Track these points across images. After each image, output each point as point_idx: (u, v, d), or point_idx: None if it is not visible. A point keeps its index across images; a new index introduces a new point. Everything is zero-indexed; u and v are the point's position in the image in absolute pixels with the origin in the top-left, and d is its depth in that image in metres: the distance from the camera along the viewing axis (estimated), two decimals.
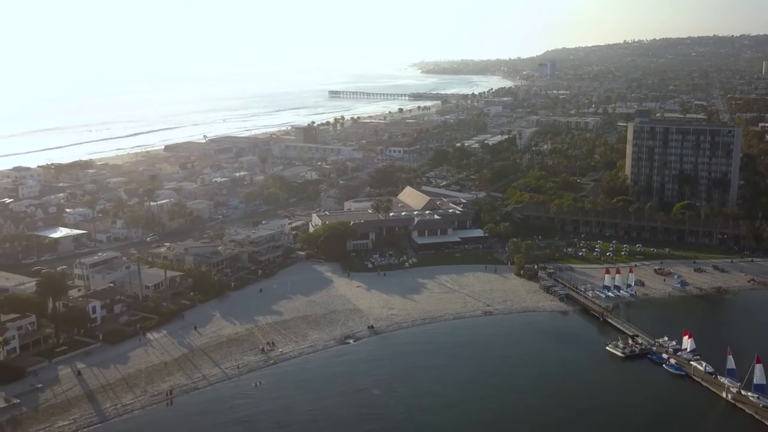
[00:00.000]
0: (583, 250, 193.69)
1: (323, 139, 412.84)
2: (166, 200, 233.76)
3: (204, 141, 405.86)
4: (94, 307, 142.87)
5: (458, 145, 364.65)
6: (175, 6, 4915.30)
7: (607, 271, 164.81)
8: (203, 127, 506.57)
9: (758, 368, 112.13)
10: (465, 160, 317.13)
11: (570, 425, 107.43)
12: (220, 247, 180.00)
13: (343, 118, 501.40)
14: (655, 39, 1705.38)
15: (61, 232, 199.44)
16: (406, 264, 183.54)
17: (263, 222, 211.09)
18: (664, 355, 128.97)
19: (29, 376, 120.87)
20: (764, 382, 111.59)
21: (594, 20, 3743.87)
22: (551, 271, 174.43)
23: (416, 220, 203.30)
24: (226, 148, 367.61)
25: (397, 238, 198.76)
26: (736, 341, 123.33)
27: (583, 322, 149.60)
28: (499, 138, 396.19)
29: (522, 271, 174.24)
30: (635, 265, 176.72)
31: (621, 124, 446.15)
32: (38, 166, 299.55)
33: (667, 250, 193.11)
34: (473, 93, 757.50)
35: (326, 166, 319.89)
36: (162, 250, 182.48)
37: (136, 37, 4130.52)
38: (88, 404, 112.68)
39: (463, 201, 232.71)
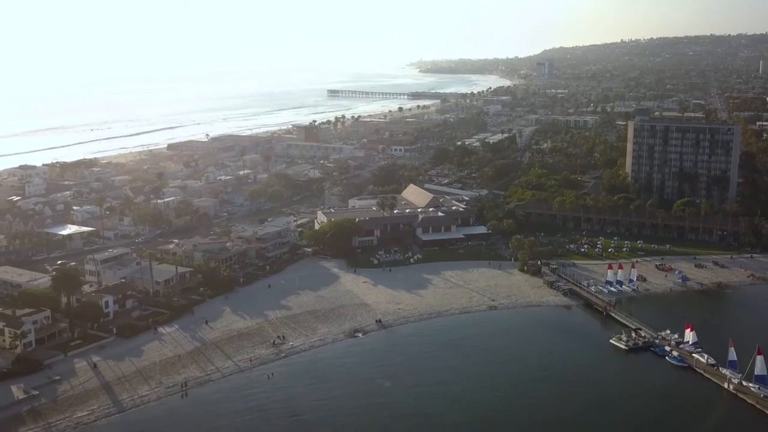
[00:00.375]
0: (585, 246, 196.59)
1: (324, 138, 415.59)
2: (172, 198, 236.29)
3: (206, 139, 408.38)
4: (106, 302, 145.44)
5: (459, 143, 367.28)
6: (173, 6, 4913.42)
7: (610, 267, 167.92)
8: (205, 126, 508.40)
9: (759, 360, 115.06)
10: (466, 158, 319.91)
11: (576, 415, 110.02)
12: (228, 244, 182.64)
13: (343, 117, 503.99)
14: (652, 38, 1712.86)
15: (70, 229, 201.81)
16: (411, 260, 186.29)
17: (269, 219, 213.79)
18: (667, 348, 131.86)
19: (46, 368, 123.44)
20: (765, 373, 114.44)
21: (591, 19, 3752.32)
22: (554, 267, 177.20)
23: (420, 217, 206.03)
24: (228, 147, 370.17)
25: (402, 234, 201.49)
26: (737, 334, 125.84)
27: (587, 316, 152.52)
28: (499, 136, 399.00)
29: (525, 267, 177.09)
30: (637, 261, 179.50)
31: (620, 123, 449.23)
32: (43, 165, 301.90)
33: (668, 246, 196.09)
34: (472, 92, 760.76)
35: (329, 165, 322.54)
36: (171, 246, 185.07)
37: (135, 38, 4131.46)
38: (105, 395, 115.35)
39: (466, 198, 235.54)
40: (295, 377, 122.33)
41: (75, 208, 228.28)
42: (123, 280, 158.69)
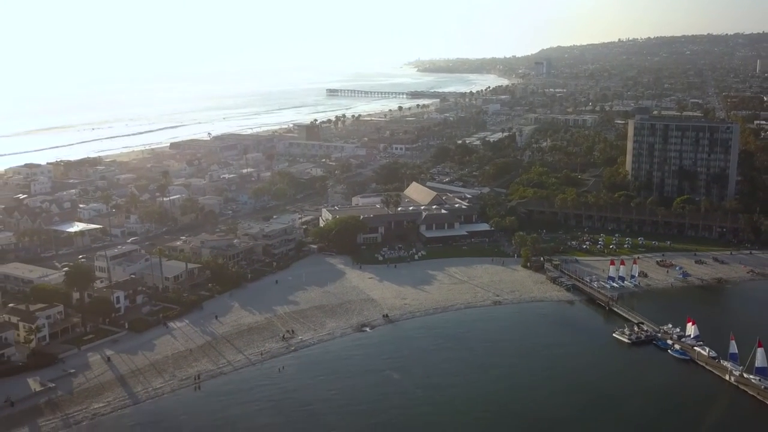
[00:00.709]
0: (587, 243, 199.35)
1: (325, 137, 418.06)
2: (177, 196, 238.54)
3: (209, 138, 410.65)
4: (117, 298, 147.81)
5: (459, 142, 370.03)
6: (173, 5, 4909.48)
7: (612, 263, 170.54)
8: (206, 125, 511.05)
9: (760, 352, 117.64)
10: (467, 156, 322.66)
11: (581, 406, 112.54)
12: (235, 241, 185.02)
13: (344, 116, 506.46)
14: (649, 37, 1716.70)
15: (78, 227, 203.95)
16: (416, 257, 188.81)
17: (274, 216, 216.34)
18: (669, 341, 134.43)
19: (60, 362, 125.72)
20: (766, 365, 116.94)
21: (588, 19, 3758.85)
22: (557, 263, 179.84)
23: (424, 214, 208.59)
24: (230, 146, 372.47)
25: (406, 231, 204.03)
26: (737, 328, 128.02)
27: (590, 310, 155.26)
28: (499, 135, 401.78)
29: (529, 263, 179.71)
30: (638, 257, 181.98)
31: (618, 121, 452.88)
32: (48, 163, 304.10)
33: (668, 243, 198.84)
34: (471, 91, 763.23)
35: (331, 163, 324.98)
36: (178, 243, 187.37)
37: (134, 38, 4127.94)
38: (120, 388, 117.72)
39: (468, 196, 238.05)
40: (306, 370, 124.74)
41: (81, 205, 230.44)
42: (133, 276, 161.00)
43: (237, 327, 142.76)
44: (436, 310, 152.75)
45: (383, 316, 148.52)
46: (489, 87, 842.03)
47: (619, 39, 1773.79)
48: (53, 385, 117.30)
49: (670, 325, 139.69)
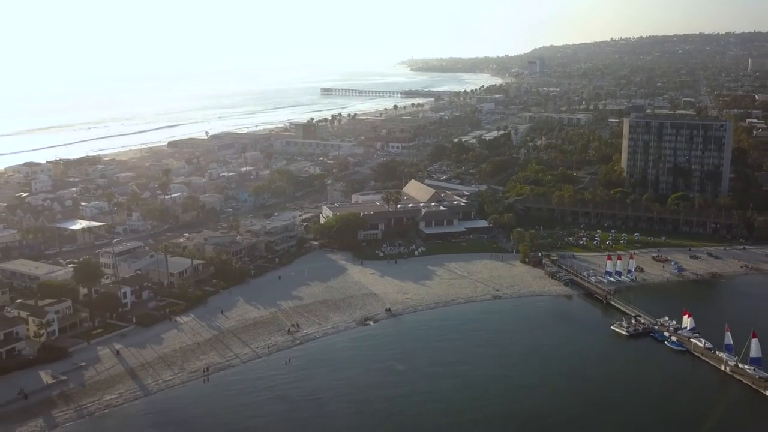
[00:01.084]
0: (584, 239, 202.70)
1: (322, 136, 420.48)
2: (178, 194, 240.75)
3: (206, 137, 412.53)
4: (124, 293, 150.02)
5: (456, 140, 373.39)
6: (166, 5, 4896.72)
7: (609, 258, 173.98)
8: (202, 124, 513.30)
9: (754, 343, 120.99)
10: (464, 155, 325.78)
11: (582, 396, 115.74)
12: (238, 237, 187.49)
13: (340, 115, 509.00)
14: (641, 37, 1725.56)
15: (80, 225, 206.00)
16: (416, 253, 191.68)
17: (275, 214, 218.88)
18: (666, 333, 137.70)
19: (70, 356, 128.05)
20: (760, 356, 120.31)
21: (581, 18, 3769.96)
22: (555, 258, 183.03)
23: (423, 211, 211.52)
24: (228, 144, 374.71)
25: (406, 228, 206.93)
26: (732, 320, 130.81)
27: (588, 304, 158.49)
28: (495, 134, 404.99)
29: (527, 259, 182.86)
30: (634, 253, 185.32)
31: (612, 120, 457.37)
32: (47, 162, 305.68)
33: (664, 238, 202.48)
34: (465, 90, 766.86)
35: (328, 161, 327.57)
36: (181, 240, 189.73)
37: (135, 36, 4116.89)
38: (130, 380, 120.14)
39: (466, 194, 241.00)
40: (312, 362, 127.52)
41: (83, 203, 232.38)
42: (138, 272, 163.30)
43: (242, 321, 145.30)
44: (438, 305, 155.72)
45: (386, 310, 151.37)
46: (483, 86, 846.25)
47: (612, 38, 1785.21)
48: (65, 377, 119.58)
49: (667, 318, 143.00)
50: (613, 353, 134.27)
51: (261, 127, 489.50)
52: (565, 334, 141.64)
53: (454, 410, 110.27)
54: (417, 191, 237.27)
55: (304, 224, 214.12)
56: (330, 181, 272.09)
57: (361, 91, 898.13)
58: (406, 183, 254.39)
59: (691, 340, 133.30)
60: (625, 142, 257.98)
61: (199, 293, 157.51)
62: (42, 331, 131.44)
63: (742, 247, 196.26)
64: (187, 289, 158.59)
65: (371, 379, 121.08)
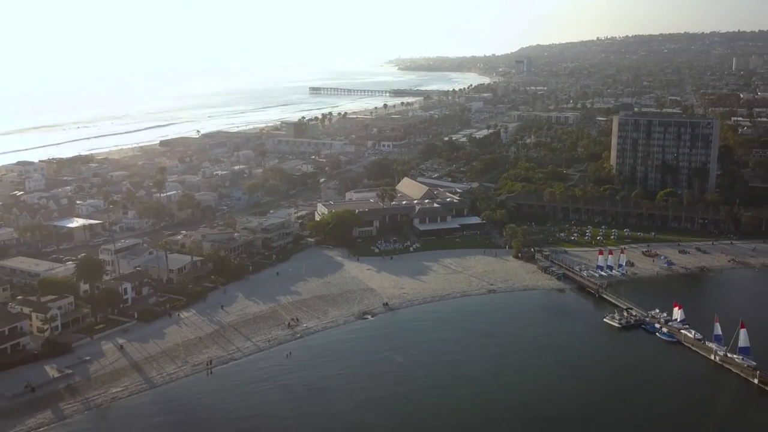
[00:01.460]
0: (575, 234, 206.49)
1: (313, 134, 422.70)
2: (173, 192, 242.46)
3: (198, 136, 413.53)
4: (125, 289, 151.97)
5: (446, 139, 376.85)
6: (149, 6, 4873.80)
7: (600, 252, 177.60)
8: (193, 124, 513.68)
9: (742, 333, 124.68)
10: (455, 153, 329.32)
11: (576, 384, 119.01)
12: (235, 234, 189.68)
13: (330, 113, 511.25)
14: (627, 36, 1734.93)
15: (77, 223, 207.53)
16: (411, 249, 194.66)
17: (271, 211, 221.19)
18: (657, 325, 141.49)
19: (74, 350, 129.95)
20: (748, 345, 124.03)
21: (567, 18, 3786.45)
22: (547, 253, 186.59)
23: (417, 208, 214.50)
24: (220, 143, 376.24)
25: (400, 225, 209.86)
26: (721, 311, 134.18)
27: (580, 298, 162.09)
28: (484, 132, 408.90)
29: (520, 254, 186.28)
30: (624, 248, 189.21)
31: (600, 118, 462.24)
32: (40, 161, 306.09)
33: (653, 234, 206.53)
34: (453, 89, 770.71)
35: (321, 160, 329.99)
36: (179, 237, 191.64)
37: (112, 36, 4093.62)
38: (135, 373, 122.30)
39: (459, 191, 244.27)
40: (313, 354, 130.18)
41: (78, 202, 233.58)
42: (138, 269, 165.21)
43: (243, 316, 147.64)
44: (434, 299, 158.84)
45: (383, 304, 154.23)
46: (471, 85, 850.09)
47: (598, 37, 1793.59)
48: (71, 371, 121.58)
49: (658, 310, 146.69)
50: (606, 344, 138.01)
51: (252, 126, 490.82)
52: (560, 326, 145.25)
53: (453, 398, 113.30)
54: (410, 189, 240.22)
55: (299, 221, 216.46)
56: (323, 180, 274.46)
57: (349, 90, 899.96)
58: (399, 181, 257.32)
59: (682, 331, 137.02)
60: (614, 140, 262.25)
61: (199, 289, 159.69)
62: (46, 327, 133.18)
63: (729, 242, 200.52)
64: (187, 285, 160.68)
65: (372, 370, 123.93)
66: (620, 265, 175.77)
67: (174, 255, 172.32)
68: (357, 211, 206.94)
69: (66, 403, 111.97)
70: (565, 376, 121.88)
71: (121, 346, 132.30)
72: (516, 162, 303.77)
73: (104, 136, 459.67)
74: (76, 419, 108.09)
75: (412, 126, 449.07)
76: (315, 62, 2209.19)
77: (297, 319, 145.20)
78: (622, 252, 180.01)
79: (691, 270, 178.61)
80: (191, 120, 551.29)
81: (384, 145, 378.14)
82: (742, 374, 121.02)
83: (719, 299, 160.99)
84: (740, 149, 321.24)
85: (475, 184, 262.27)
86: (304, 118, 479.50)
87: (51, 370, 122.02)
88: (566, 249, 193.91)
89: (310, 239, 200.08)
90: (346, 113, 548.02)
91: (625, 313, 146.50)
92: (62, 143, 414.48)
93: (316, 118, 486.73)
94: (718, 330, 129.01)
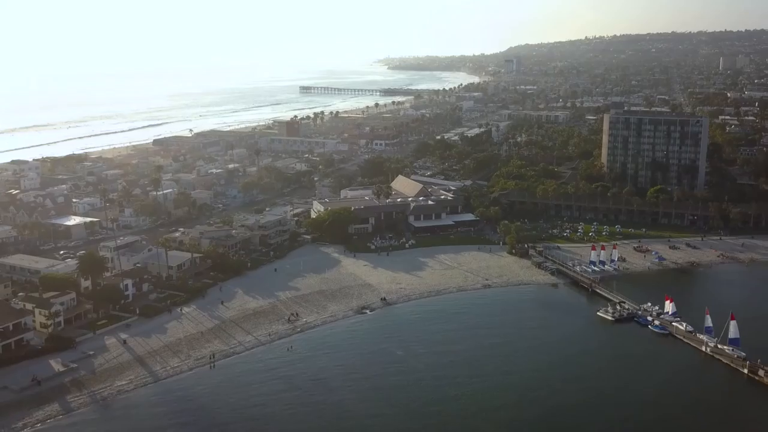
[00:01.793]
0: (567, 231, 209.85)
1: (305, 133, 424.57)
2: (169, 190, 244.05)
3: (191, 135, 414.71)
4: (126, 285, 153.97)
5: (439, 137, 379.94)
6: (132, 6, 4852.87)
7: (593, 248, 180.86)
8: (185, 123, 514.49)
9: (732, 324, 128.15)
10: (447, 151, 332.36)
11: (573, 377, 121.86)
12: (233, 231, 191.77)
13: (322, 112, 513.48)
14: (615, 35, 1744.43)
15: (75, 220, 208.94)
16: (406, 245, 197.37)
17: (267, 209, 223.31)
18: (649, 318, 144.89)
19: (77, 345, 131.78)
20: (738, 336, 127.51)
21: (555, 17, 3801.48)
22: (540, 249, 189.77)
23: (412, 205, 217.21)
24: (213, 142, 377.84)
25: (395, 222, 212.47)
26: (711, 304, 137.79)
27: (574, 292, 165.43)
28: (476, 131, 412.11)
29: (514, 250, 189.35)
30: (616, 244, 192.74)
31: (590, 117, 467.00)
32: (34, 160, 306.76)
33: (644, 230, 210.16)
34: (444, 89, 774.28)
35: (314, 158, 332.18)
36: (177, 234, 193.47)
37: (92, 36, 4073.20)
38: (139, 367, 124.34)
39: (452, 188, 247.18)
40: (313, 348, 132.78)
41: (75, 200, 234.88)
42: (138, 265, 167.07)
43: (243, 311, 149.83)
44: (431, 294, 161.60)
45: (381, 299, 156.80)
46: (461, 84, 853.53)
47: (586, 37, 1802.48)
48: (76, 365, 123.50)
49: (650, 304, 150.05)
50: (600, 337, 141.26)
51: (244, 125, 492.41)
52: (554, 319, 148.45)
53: (452, 388, 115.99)
54: (405, 186, 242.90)
55: (295, 219, 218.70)
56: (317, 178, 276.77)
57: (340, 90, 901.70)
58: (393, 179, 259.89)
59: (673, 323, 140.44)
60: (605, 138, 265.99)
61: (198, 285, 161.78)
62: (50, 322, 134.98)
63: (718, 237, 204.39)
64: (187, 282, 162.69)
65: (372, 362, 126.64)
66: (612, 261, 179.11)
67: (173, 252, 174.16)
68: (353, 208, 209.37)
69: (73, 396, 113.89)
70: (562, 366, 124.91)
71: (124, 341, 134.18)
72: (508, 160, 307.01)
73: (97, 135, 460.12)
74: (83, 411, 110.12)
75: (404, 125, 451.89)
76: (304, 61, 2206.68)
77: (297, 314, 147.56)
78: (614, 247, 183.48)
79: (682, 265, 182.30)
80: (183, 119, 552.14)
81: (377, 144, 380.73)
82: (732, 364, 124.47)
83: (709, 293, 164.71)
84: (728, 147, 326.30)
85: (468, 182, 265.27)
86: (296, 117, 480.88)
87: (56, 365, 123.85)
88: (559, 245, 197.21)
89: (306, 236, 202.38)
90: (338, 112, 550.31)
91: (618, 307, 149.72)
92: (55, 143, 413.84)
93: (308, 117, 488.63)
94: (708, 322, 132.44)
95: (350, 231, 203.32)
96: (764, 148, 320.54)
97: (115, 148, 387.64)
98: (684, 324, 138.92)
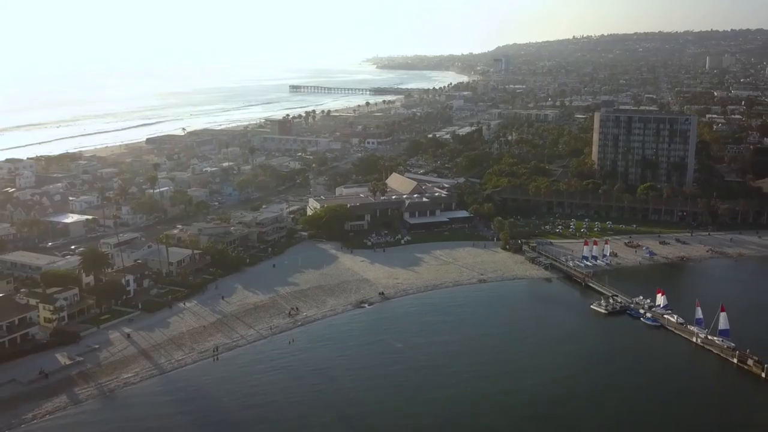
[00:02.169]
0: (560, 227, 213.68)
1: (297, 132, 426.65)
2: (165, 188, 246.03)
3: (184, 134, 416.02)
4: (128, 281, 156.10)
5: (430, 136, 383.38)
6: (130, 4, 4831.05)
7: (586, 243, 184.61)
8: (178, 122, 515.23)
9: (722, 316, 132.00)
10: (439, 149, 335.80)
11: (567, 366, 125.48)
12: (231, 228, 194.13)
13: (314, 111, 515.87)
14: (603, 35, 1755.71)
15: (73, 218, 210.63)
16: (402, 241, 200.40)
17: (263, 206, 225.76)
18: (641, 311, 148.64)
19: (81, 340, 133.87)
20: (727, 327, 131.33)
21: (543, 16, 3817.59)
22: (534, 245, 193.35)
23: (407, 202, 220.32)
24: (206, 141, 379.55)
25: (391, 219, 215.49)
26: (701, 297, 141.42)
27: (567, 286, 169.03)
28: (467, 129, 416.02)
29: (508, 246, 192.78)
30: (608, 239, 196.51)
31: (579, 116, 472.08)
32: (29, 158, 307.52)
33: (634, 226, 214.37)
34: (434, 87, 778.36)
35: (307, 157, 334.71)
36: (175, 231, 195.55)
37: (75, 33, 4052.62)
38: (144, 360, 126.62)
39: (446, 186, 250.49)
40: (314, 340, 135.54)
41: (71, 198, 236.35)
42: (138, 262, 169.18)
43: (243, 306, 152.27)
44: (427, 288, 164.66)
45: (379, 294, 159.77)
46: (450, 83, 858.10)
47: (574, 36, 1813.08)
48: (81, 359, 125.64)
49: (641, 297, 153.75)
50: (593, 329, 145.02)
51: (235, 124, 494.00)
52: (549, 312, 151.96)
53: (450, 377, 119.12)
54: (399, 184, 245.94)
55: (292, 216, 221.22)
56: (312, 176, 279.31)
57: (330, 89, 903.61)
58: (386, 176, 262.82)
59: (665, 316, 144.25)
60: (595, 136, 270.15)
61: (199, 281, 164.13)
62: (54, 317, 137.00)
63: (707, 233, 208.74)
64: (187, 277, 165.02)
65: (372, 353, 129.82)
66: (604, 256, 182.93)
67: (173, 248, 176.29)
68: (348, 205, 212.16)
69: (80, 389, 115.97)
70: (556, 357, 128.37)
71: (128, 335, 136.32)
72: (500, 158, 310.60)
73: (89, 134, 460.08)
74: (91, 402, 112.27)
75: (395, 123, 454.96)
76: (292, 60, 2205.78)
77: (297, 309, 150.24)
78: (606, 243, 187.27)
79: (672, 260, 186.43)
80: (175, 118, 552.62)
81: (369, 142, 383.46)
82: (722, 354, 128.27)
83: (699, 286, 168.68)
84: (715, 145, 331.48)
85: (461, 180, 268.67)
86: (288, 115, 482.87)
87: (62, 358, 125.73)
88: (552, 241, 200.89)
89: (303, 233, 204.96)
90: (329, 111, 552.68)
91: (611, 300, 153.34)
92: (47, 142, 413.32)
93: (300, 116, 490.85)
94: (699, 314, 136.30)
95: (346, 228, 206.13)
96: (751, 146, 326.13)
97: (108, 146, 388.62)
98: (675, 316, 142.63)
